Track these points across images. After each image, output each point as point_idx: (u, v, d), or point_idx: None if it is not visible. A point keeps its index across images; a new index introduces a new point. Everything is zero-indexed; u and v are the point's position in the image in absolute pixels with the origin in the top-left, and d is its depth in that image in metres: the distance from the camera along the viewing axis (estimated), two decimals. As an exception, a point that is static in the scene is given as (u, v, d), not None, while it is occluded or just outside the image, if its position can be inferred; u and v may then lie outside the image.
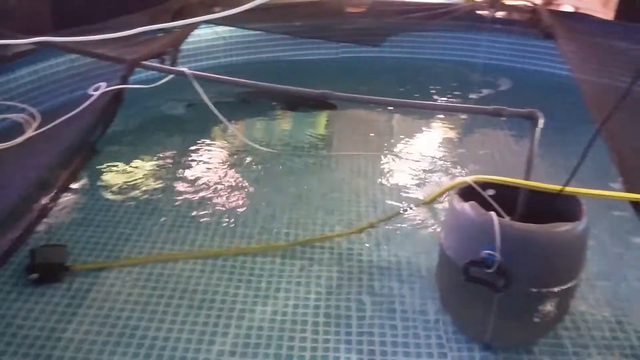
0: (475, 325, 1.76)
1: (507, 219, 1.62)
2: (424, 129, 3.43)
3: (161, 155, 3.00)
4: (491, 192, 1.72)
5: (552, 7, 4.08)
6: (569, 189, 1.62)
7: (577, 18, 3.79)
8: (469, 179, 1.76)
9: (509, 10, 4.00)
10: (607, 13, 4.14)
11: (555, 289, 1.59)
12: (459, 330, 1.82)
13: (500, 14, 4.00)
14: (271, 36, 4.27)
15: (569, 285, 1.60)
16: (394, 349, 1.76)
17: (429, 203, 2.47)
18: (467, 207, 1.64)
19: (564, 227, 1.55)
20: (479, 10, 4.07)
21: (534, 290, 1.59)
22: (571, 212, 1.62)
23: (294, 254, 2.20)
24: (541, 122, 1.68)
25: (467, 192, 1.73)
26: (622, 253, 2.23)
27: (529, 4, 4.01)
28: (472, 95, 3.86)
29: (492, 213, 1.57)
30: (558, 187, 1.63)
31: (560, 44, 3.18)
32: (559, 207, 1.64)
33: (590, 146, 1.51)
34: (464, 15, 3.93)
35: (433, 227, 2.35)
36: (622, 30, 3.48)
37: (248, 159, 2.95)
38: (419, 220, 2.41)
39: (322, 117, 3.58)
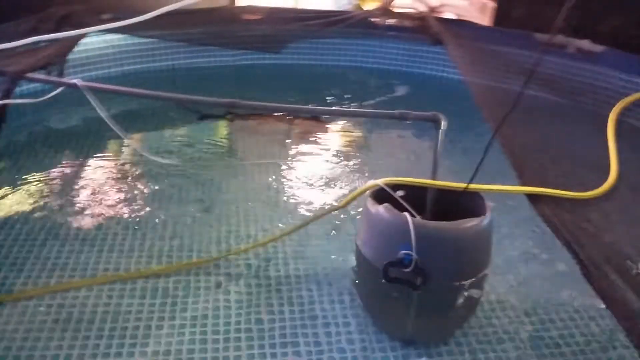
0: (396, 323, 1.81)
1: (418, 218, 1.69)
2: (329, 134, 3.48)
3: (52, 174, 2.75)
4: (401, 193, 1.78)
5: (437, 15, 4.34)
6: (472, 186, 1.72)
7: (461, 24, 4.06)
8: (380, 181, 1.80)
9: (400, 17, 4.19)
10: (484, 19, 4.50)
11: (468, 281, 1.68)
12: (381, 330, 1.86)
13: (391, 21, 4.19)
14: (166, 44, 4.12)
15: (479, 276, 1.70)
16: (319, 357, 1.76)
17: (342, 207, 2.50)
18: (382, 210, 1.68)
19: (471, 222, 1.64)
20: (372, 17, 4.23)
21: (449, 284, 1.67)
22: (476, 208, 1.72)
23: (208, 270, 2.12)
24: (444, 124, 1.77)
25: (379, 195, 1.78)
26: (523, 242, 2.40)
27: (417, 11, 4.23)
28: (372, 101, 3.98)
29: (406, 214, 1.62)
30: (463, 185, 1.73)
31: (449, 49, 3.40)
32: (465, 205, 1.74)
33: (489, 147, 1.61)
34: (358, 22, 4.06)
35: (348, 231, 2.39)
36: (501, 35, 3.80)
37: (150, 173, 2.80)
38: (333, 225, 2.44)
39: (224, 126, 3.51)
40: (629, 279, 1.43)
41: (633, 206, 2.02)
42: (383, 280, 1.63)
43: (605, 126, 2.51)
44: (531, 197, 1.84)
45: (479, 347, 1.83)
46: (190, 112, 3.47)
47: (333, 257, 2.24)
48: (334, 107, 3.73)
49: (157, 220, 2.41)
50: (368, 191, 1.82)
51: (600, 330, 1.92)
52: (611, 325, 1.93)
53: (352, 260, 1.90)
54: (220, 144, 3.31)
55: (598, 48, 3.54)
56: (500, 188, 1.85)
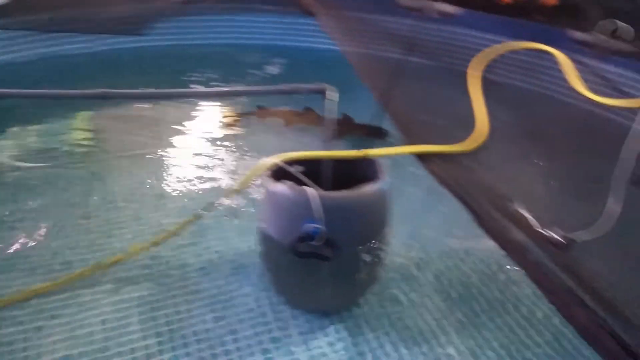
0: (310, 297, 1.81)
1: (320, 190, 1.67)
2: (204, 116, 3.33)
3: None
4: (299, 168, 1.76)
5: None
6: (366, 151, 1.75)
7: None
8: (276, 158, 1.76)
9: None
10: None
11: (373, 244, 1.72)
12: (296, 306, 1.85)
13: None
14: (12, 33, 3.62)
15: (382, 237, 1.75)
16: (236, 345, 1.70)
17: (240, 190, 2.42)
18: (282, 187, 1.64)
19: (371, 187, 1.67)
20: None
21: (357, 249, 1.69)
22: (373, 173, 1.75)
23: (101, 279, 1.93)
24: (333, 95, 1.77)
25: (277, 173, 1.73)
26: (419, 200, 2.51)
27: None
28: (251, 78, 3.88)
29: (308, 187, 1.60)
30: (358, 153, 1.75)
31: (321, 20, 3.40)
32: (362, 172, 1.76)
33: (382, 115, 1.64)
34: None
35: (249, 214, 2.32)
36: (366, 2, 3.88)
37: (16, 182, 2.47)
38: (233, 209, 2.35)
39: (85, 119, 3.19)
40: (510, 215, 1.55)
41: (505, 153, 2.20)
42: (294, 257, 1.60)
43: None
44: (419, 155, 1.92)
45: (387, 304, 1.90)
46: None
47: (235, 243, 2.17)
48: (216, 88, 3.57)
49: (30, 232, 2.13)
50: (264, 171, 1.76)
51: (489, 263, 2.11)
52: (500, 258, 2.11)
53: (256, 244, 1.85)
54: (88, 139, 3.00)
55: (456, 10, 3.77)
56: (393, 150, 1.90)
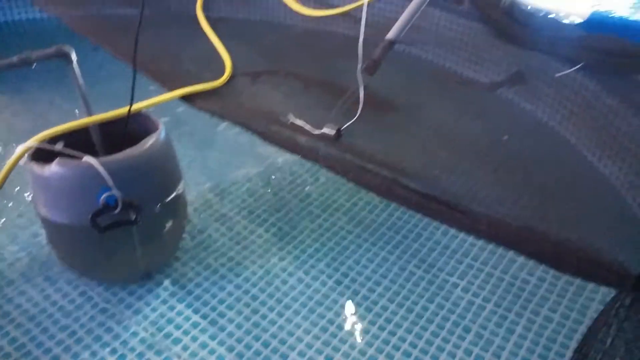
0: (125, 268, 1.74)
1: (99, 158, 1.57)
2: None
3: None
4: (61, 143, 1.60)
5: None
6: (133, 107, 1.68)
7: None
8: (33, 141, 1.57)
9: None
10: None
11: (171, 197, 1.71)
12: (110, 283, 1.77)
13: None
14: None
15: (178, 186, 1.75)
16: (63, 346, 1.57)
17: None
18: (57, 167, 1.50)
19: (149, 140, 1.63)
20: None
21: (157, 206, 1.67)
22: (147, 126, 1.71)
23: None
24: (74, 56, 1.62)
25: (39, 156, 1.56)
26: (201, 140, 2.53)
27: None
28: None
29: (88, 157, 1.49)
30: (122, 110, 1.67)
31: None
32: (135, 128, 1.70)
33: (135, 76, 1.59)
34: None
35: (8, 217, 2.03)
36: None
37: None
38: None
39: None
40: (292, 127, 1.73)
41: (260, 80, 2.34)
42: (97, 233, 1.50)
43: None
44: (185, 98, 1.93)
45: (202, 252, 1.94)
46: None
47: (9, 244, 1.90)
48: None
49: None
50: (24, 158, 1.56)
51: (284, 174, 2.31)
52: (293, 165, 2.34)
53: (29, 244, 1.69)
54: None
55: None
56: (155, 101, 1.85)
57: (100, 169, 1.47)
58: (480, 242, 2.01)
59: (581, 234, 1.18)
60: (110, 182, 1.48)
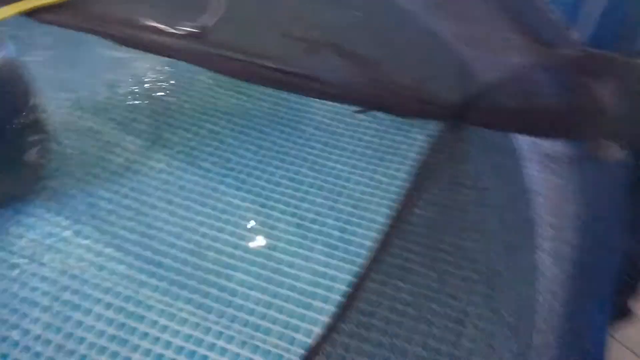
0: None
1: None
2: None
3: None
4: None
5: None
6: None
7: None
8: None
9: None
10: None
11: (25, 117, 1.63)
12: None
13: None
14: None
15: (34, 106, 1.67)
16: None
17: None
18: None
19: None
20: None
21: (12, 124, 1.59)
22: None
23: None
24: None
25: None
26: (60, 53, 2.30)
27: None
28: None
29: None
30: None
31: None
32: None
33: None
34: None
35: None
36: None
37: None
38: None
39: None
40: (153, 29, 1.67)
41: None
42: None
43: None
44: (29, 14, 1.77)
45: (68, 162, 1.89)
46: None
47: None
48: None
49: None
50: None
51: (152, 79, 2.24)
52: (156, 66, 2.26)
53: None
54: None
55: None
56: None
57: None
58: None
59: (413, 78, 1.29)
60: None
